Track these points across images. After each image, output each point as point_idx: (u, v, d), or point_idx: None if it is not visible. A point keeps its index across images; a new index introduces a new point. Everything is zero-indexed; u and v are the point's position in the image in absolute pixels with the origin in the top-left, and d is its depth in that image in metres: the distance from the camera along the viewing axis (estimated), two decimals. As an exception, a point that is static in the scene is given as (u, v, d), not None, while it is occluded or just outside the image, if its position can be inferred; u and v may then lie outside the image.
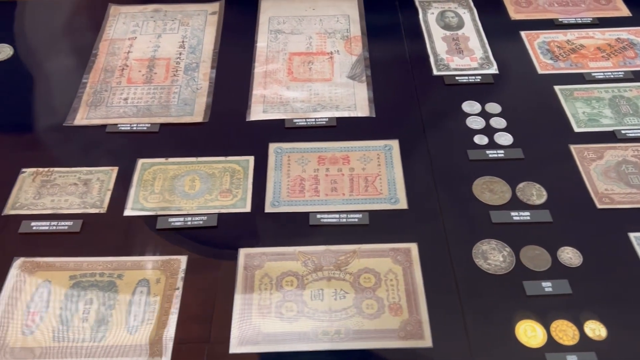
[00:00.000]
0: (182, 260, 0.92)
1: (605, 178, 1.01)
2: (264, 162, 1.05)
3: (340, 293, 0.88)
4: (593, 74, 1.19)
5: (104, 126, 1.12)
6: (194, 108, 1.15)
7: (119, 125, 1.12)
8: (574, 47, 1.26)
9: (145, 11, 1.37)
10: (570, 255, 0.91)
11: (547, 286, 0.87)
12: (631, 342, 0.82)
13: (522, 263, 0.90)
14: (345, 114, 1.14)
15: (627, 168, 1.02)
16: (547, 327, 0.83)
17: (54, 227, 0.96)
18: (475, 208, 0.98)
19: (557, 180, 1.01)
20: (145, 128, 1.11)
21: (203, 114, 1.14)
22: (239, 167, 1.04)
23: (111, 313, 0.86)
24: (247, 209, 0.99)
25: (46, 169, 1.04)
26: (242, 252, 0.93)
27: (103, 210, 0.99)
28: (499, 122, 1.11)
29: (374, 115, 1.13)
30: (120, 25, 1.34)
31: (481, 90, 1.18)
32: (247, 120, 1.13)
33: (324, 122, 1.12)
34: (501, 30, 1.32)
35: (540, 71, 1.21)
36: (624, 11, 1.35)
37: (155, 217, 0.97)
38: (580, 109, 1.13)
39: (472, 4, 1.38)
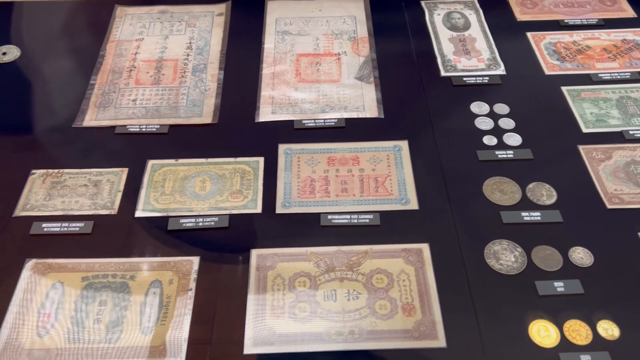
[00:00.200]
0: (195, 261, 0.92)
1: (614, 178, 1.02)
2: (273, 163, 1.06)
3: (353, 293, 0.88)
4: (600, 75, 1.20)
5: (112, 127, 1.12)
6: (202, 109, 1.15)
7: (128, 127, 1.12)
8: (580, 48, 1.26)
9: (151, 12, 1.37)
10: (581, 255, 0.91)
11: (559, 286, 0.88)
12: (644, 341, 0.83)
13: (533, 263, 0.91)
14: (354, 115, 1.14)
15: (635, 168, 1.03)
16: (560, 327, 0.83)
17: (65, 229, 0.96)
18: (485, 208, 0.98)
19: (566, 181, 1.02)
20: (154, 129, 1.11)
21: (212, 115, 1.14)
22: (249, 168, 1.04)
23: (125, 314, 0.86)
24: (258, 209, 0.99)
25: (56, 171, 1.04)
26: (254, 253, 0.93)
27: (114, 211, 0.99)
28: (507, 123, 1.11)
29: (383, 116, 1.14)
30: (127, 26, 1.34)
31: (489, 91, 1.18)
32: (256, 121, 1.13)
33: (333, 123, 1.12)
34: (507, 31, 1.32)
35: (547, 72, 1.21)
36: (629, 12, 1.36)
37: (166, 218, 0.98)
38: (587, 110, 1.13)
39: (477, 5, 1.38)
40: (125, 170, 1.04)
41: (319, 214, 0.98)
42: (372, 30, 1.32)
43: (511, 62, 1.24)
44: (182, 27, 1.33)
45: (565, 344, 0.82)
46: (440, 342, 0.83)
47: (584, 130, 1.10)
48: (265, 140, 1.09)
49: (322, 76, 1.22)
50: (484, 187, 1.01)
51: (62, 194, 1.01)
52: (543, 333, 0.83)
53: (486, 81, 1.20)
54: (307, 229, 0.96)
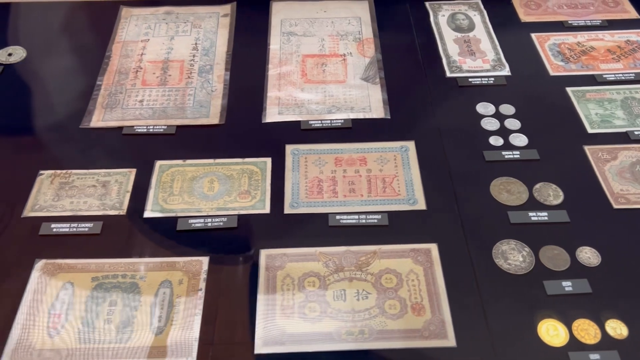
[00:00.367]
0: (204, 261, 0.92)
1: (620, 179, 1.02)
2: (281, 164, 1.06)
3: (362, 293, 0.88)
4: (604, 76, 1.20)
5: (120, 128, 1.12)
6: (209, 110, 1.15)
7: (135, 127, 1.12)
8: (585, 49, 1.27)
9: (157, 13, 1.37)
10: (588, 255, 0.92)
11: (567, 285, 0.88)
12: (652, 340, 0.83)
13: (541, 263, 0.91)
14: (361, 116, 1.14)
15: (641, 168, 1.04)
16: (569, 326, 0.84)
17: (75, 229, 0.96)
18: (493, 209, 0.99)
19: (573, 181, 1.02)
20: (161, 130, 1.11)
21: (219, 116, 1.14)
22: (257, 168, 1.05)
23: (135, 314, 0.86)
24: (267, 210, 0.99)
25: (64, 171, 1.04)
26: (263, 253, 0.93)
27: (122, 212, 0.99)
28: (513, 124, 1.12)
29: (389, 117, 1.14)
30: (132, 27, 1.34)
31: (494, 91, 1.19)
32: (262, 122, 1.14)
33: (340, 124, 1.13)
34: (511, 32, 1.33)
35: (552, 73, 1.22)
36: (633, 14, 1.36)
37: (175, 218, 0.98)
38: (592, 110, 1.14)
39: (482, 7, 1.39)
40: (134, 171, 1.05)
41: (327, 214, 0.98)
42: (377, 31, 1.32)
43: (516, 63, 1.24)
44: (188, 28, 1.33)
45: (574, 343, 0.82)
46: (450, 341, 0.83)
47: (589, 130, 1.11)
48: (273, 141, 1.10)
49: (328, 77, 1.22)
50: (491, 187, 1.01)
51: (70, 195, 1.01)
52: (552, 332, 0.83)
53: (491, 82, 1.20)
54: (316, 229, 0.97)
